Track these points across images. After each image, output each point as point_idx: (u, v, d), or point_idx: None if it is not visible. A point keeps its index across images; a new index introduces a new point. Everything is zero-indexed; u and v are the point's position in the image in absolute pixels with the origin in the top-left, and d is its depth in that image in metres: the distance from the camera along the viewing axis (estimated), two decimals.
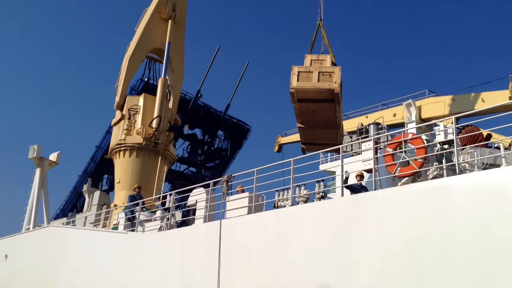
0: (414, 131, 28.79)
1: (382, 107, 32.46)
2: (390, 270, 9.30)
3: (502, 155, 9.72)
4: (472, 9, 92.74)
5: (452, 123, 9.51)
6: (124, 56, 29.03)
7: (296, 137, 36.98)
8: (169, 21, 27.72)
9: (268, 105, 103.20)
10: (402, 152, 10.52)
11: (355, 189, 11.58)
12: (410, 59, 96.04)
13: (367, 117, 32.32)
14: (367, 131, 26.07)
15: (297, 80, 13.70)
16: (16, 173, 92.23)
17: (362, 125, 27.10)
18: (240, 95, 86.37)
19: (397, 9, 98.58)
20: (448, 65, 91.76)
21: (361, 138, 26.62)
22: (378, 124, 26.39)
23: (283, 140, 38.73)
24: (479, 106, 27.14)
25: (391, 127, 30.24)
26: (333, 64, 14.84)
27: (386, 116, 31.00)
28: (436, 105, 29.28)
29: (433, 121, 20.51)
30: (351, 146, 27.54)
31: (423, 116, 29.56)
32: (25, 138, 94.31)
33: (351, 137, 27.40)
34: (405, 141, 10.72)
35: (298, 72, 13.83)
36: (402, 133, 11.52)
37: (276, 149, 38.78)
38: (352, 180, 12.17)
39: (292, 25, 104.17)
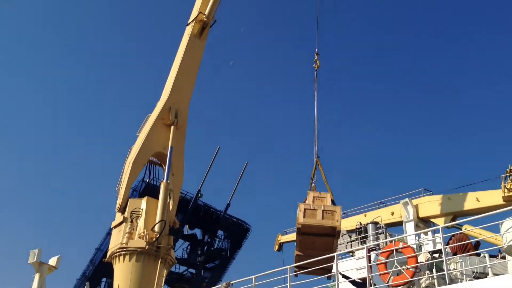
0: (412, 229, 29.13)
1: (380, 206, 32.97)
2: None
3: (488, 266, 10.12)
4: (468, 105, 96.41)
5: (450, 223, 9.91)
6: (125, 159, 30.10)
7: (286, 237, 37.14)
8: (172, 127, 29.01)
9: (267, 204, 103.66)
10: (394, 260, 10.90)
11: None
12: (407, 159, 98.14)
13: (365, 216, 32.70)
14: (365, 230, 26.33)
15: (304, 217, 15.52)
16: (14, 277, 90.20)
17: (360, 224, 27.41)
18: (240, 194, 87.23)
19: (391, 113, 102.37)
20: (442, 163, 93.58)
21: (360, 238, 26.80)
22: (376, 223, 26.69)
23: (283, 238, 38.72)
24: (474, 206, 27.72)
25: (389, 225, 30.53)
26: (332, 201, 16.96)
27: (384, 214, 31.38)
28: (432, 204, 29.83)
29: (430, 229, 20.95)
30: (351, 245, 27.68)
31: (421, 215, 30.00)
32: (22, 241, 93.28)
33: (350, 236, 27.58)
34: (396, 250, 11.13)
35: (304, 209, 15.69)
36: (394, 241, 11.95)
37: (276, 248, 38.66)
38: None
39: (289, 127, 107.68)
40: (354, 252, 23.69)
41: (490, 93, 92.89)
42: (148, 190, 35.86)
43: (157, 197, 28.20)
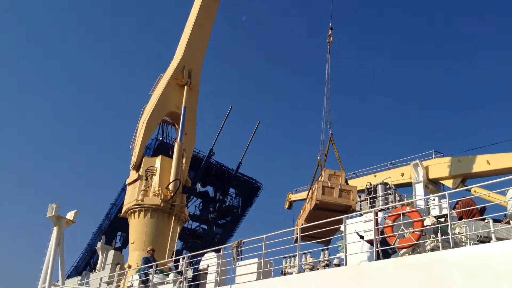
0: (422, 191, 29.43)
1: (390, 167, 33.19)
2: None
3: (492, 231, 10.46)
4: (479, 66, 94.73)
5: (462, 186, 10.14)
6: (139, 119, 30.57)
7: (306, 194, 37.69)
8: (185, 87, 29.30)
9: (278, 162, 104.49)
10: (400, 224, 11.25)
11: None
12: (418, 119, 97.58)
13: (375, 176, 32.97)
14: (375, 191, 26.71)
15: (322, 194, 16.63)
16: (32, 231, 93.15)
17: (370, 184, 27.73)
18: (252, 152, 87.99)
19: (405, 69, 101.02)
20: (455, 125, 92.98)
21: (370, 198, 27.25)
22: (386, 184, 26.97)
23: (294, 197, 39.30)
24: (484, 168, 27.84)
25: (399, 186, 30.76)
26: (346, 181, 18.09)
27: (394, 175, 31.60)
28: (442, 166, 29.99)
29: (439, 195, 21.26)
30: (360, 206, 28.13)
31: (430, 176, 30.20)
32: (39, 195, 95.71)
33: (359, 196, 28.00)
34: (403, 213, 11.47)
35: (323, 186, 16.77)
36: (401, 206, 12.29)
37: (287, 206, 39.29)
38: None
39: (300, 83, 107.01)
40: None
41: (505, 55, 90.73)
42: (161, 148, 36.50)
43: (169, 155, 28.83)
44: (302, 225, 16.43)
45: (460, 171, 29.01)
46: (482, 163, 28.05)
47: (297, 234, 14.19)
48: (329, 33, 22.67)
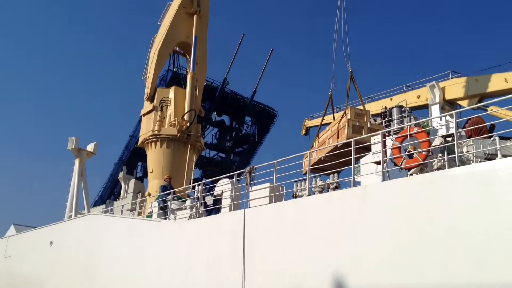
0: (438, 112, 29.22)
1: (406, 89, 32.77)
2: (397, 255, 10.29)
3: (498, 148, 10.49)
4: None
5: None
6: (149, 49, 30.42)
7: (316, 122, 37.77)
8: (195, 16, 28.80)
9: (294, 89, 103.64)
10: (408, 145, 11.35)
11: None
12: (433, 38, 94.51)
13: (391, 99, 32.67)
14: (390, 114, 26.62)
15: (352, 132, 16.72)
16: (55, 164, 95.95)
17: (386, 108, 27.59)
18: (266, 80, 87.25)
19: None
20: (472, 43, 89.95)
21: (385, 122, 27.25)
22: (401, 107, 26.80)
23: (310, 123, 39.40)
24: (502, 87, 27.31)
25: (415, 109, 30.50)
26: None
27: (410, 98, 31.29)
28: (459, 86, 29.50)
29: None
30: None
31: (447, 97, 29.76)
32: (59, 129, 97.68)
33: (375, 120, 27.95)
34: (410, 134, 11.54)
35: (353, 125, 16.97)
36: (408, 127, 12.31)
37: (303, 132, 39.51)
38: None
39: (315, 9, 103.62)
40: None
41: None
42: (174, 79, 36.48)
43: (182, 86, 28.92)
44: (320, 158, 16.52)
45: (477, 90, 28.47)
46: (500, 81, 27.45)
47: (306, 165, 14.42)
48: None
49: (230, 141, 46.91)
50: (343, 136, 16.93)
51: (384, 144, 11.97)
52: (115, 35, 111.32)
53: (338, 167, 14.07)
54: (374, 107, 32.86)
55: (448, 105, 30.05)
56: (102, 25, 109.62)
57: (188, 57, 29.67)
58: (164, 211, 18.30)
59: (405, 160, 11.47)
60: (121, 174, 36.90)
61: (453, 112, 10.77)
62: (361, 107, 20.18)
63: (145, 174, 44.97)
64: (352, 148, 12.41)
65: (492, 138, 11.06)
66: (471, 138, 11.76)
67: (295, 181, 14.51)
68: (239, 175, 15.71)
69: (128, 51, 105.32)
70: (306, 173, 13.61)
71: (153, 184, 25.98)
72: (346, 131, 16.65)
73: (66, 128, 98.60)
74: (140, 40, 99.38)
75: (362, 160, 12.91)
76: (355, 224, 11.25)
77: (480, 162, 10.59)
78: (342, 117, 18.51)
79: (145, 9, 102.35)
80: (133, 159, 44.74)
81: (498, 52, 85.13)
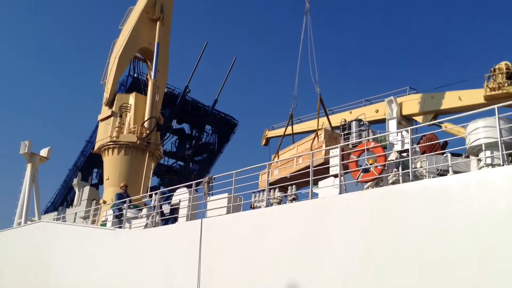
0: (395, 127, 29.98)
1: (365, 103, 33.54)
2: (352, 266, 10.45)
3: (450, 164, 10.85)
4: (449, 11, 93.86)
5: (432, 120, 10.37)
6: (109, 53, 29.91)
7: (282, 131, 38.07)
8: (158, 22, 28.58)
9: (255, 99, 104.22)
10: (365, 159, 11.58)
11: None
12: (395, 58, 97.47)
13: (351, 113, 33.34)
14: (349, 127, 27.12)
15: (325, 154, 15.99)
16: (7, 168, 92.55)
17: (345, 121, 28.12)
18: (228, 90, 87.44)
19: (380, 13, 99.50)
20: (429, 63, 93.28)
21: (344, 135, 27.70)
22: (360, 121, 27.39)
23: (270, 133, 39.61)
24: (456, 104, 28.36)
25: (373, 123, 31.24)
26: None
27: (369, 112, 32.03)
28: (415, 102, 30.44)
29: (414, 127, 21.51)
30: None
31: (404, 112, 30.65)
32: (15, 133, 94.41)
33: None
34: (367, 149, 11.77)
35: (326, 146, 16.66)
36: (366, 141, 12.57)
37: (264, 143, 39.64)
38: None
39: (278, 22, 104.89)
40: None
41: None
42: (134, 85, 35.97)
43: (142, 92, 28.58)
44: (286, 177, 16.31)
45: (432, 107, 29.45)
46: (454, 99, 28.46)
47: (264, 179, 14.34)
48: None
49: (189, 149, 46.54)
50: (319, 157, 16.66)
51: (342, 158, 12.16)
52: (72, 34, 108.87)
53: (301, 184, 14.22)
54: (334, 119, 33.30)
55: (405, 120, 30.93)
56: (57, 23, 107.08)
57: (149, 63, 29.39)
58: (119, 219, 17.91)
59: (361, 174, 11.68)
60: (75, 181, 35.96)
61: (409, 128, 11.07)
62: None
63: (100, 181, 43.94)
64: (310, 160, 12.56)
65: (444, 155, 11.43)
66: (425, 154, 12.11)
67: (254, 192, 14.52)
68: (197, 184, 15.59)
69: (88, 53, 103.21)
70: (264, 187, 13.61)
71: (109, 191, 25.42)
72: (324, 153, 16.31)
73: (18, 130, 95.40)
74: (98, 41, 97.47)
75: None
76: (312, 236, 11.37)
77: (432, 177, 10.89)
78: (314, 138, 18.53)
79: (104, 12, 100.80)
80: (89, 165, 43.63)
81: (454, 69, 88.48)
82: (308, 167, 14.35)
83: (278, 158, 19.67)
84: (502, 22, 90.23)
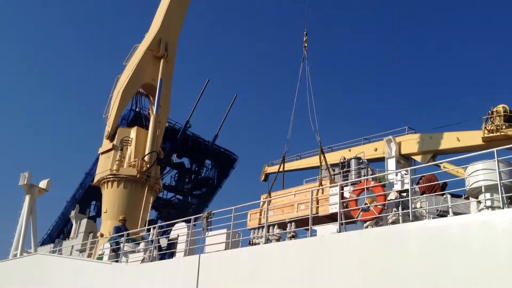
0: (394, 165, 30.10)
1: (364, 142, 33.79)
2: None
3: (449, 206, 10.89)
4: (449, 52, 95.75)
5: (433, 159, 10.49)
6: (112, 87, 30.37)
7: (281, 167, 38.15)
8: (162, 59, 29.18)
9: (255, 134, 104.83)
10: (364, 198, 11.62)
11: None
12: (394, 97, 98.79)
13: (350, 150, 33.56)
14: (348, 165, 27.22)
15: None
16: (5, 196, 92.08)
17: (344, 158, 28.24)
18: (229, 125, 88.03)
19: (382, 47, 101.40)
20: (428, 104, 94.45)
21: (343, 172, 27.75)
22: (359, 159, 27.51)
23: (269, 169, 39.70)
24: (454, 145, 28.60)
25: (372, 161, 31.41)
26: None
27: (368, 150, 32.23)
28: (414, 142, 30.70)
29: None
30: (334, 179, 28.61)
31: (403, 152, 30.90)
32: (16, 164, 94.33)
33: (333, 170, 28.50)
34: (367, 188, 11.83)
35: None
36: (365, 180, 12.64)
37: (263, 178, 39.69)
38: None
39: (279, 58, 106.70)
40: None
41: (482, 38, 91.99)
42: (136, 119, 36.30)
43: (143, 126, 28.83)
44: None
45: (431, 147, 29.73)
46: (452, 140, 28.75)
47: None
48: (304, 39, 20.44)
49: (189, 183, 46.55)
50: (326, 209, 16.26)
51: (342, 196, 12.21)
52: (75, 71, 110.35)
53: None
54: (333, 157, 33.51)
55: (404, 159, 31.12)
56: (61, 58, 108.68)
57: (151, 98, 29.79)
58: (116, 253, 17.75)
59: (361, 213, 11.70)
60: (73, 213, 35.70)
61: (409, 168, 11.15)
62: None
63: (98, 214, 43.73)
64: (310, 200, 12.61)
65: (444, 196, 11.49)
66: (425, 195, 12.17)
67: (252, 229, 14.48)
68: (196, 219, 15.55)
69: (89, 86, 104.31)
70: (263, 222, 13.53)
71: (107, 224, 25.28)
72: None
73: (18, 161, 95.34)
74: (100, 77, 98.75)
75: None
76: (311, 274, 11.27)
77: (433, 218, 10.92)
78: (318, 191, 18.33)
79: (109, 49, 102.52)
80: (87, 197, 43.54)
81: (450, 110, 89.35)
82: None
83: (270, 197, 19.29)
84: (499, 65, 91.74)
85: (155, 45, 29.39)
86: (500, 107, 24.36)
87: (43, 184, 29.83)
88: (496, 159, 9.72)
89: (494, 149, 9.94)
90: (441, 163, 25.69)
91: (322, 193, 15.10)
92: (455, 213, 10.94)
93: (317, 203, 13.86)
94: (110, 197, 26.19)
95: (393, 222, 11.52)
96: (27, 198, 28.64)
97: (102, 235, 24.08)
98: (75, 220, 33.45)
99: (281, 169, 18.99)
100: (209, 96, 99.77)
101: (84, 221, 28.81)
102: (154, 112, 28.16)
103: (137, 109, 37.80)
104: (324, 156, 18.51)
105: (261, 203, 14.93)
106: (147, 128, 28.35)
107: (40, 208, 28.98)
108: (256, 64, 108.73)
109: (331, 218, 13.42)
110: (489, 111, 25.36)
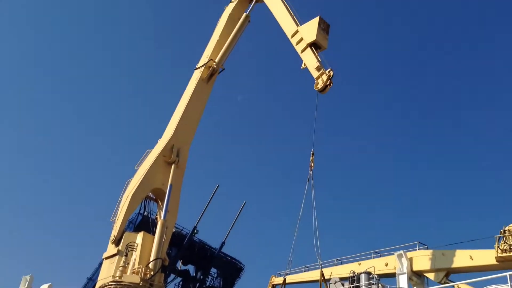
0: (405, 282, 29.04)
1: (374, 255, 33.03)
2: None
3: None
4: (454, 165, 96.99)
5: None
6: (122, 191, 30.53)
7: (290, 278, 37.06)
8: (173, 165, 29.65)
9: (263, 243, 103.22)
10: None
11: None
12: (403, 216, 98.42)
13: (360, 264, 32.74)
14: (358, 279, 26.34)
15: None
16: None
17: (354, 272, 27.41)
18: (236, 231, 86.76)
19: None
20: (439, 221, 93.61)
21: (353, 287, 26.77)
22: (369, 273, 26.70)
23: (277, 280, 38.58)
24: (467, 263, 27.79)
25: (383, 276, 30.44)
26: None
27: (378, 265, 31.40)
28: (426, 258, 29.89)
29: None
30: None
31: (414, 268, 30.02)
32: (17, 265, 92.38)
33: (343, 284, 27.51)
34: None
35: None
36: None
37: None
38: None
39: (287, 166, 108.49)
40: None
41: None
42: (143, 222, 36.11)
43: (150, 230, 28.51)
44: None
45: (443, 265, 28.98)
46: (465, 258, 28.10)
47: None
48: (311, 158, 21.02)
49: None
50: None
51: None
52: (84, 175, 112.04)
53: None
54: (342, 270, 32.63)
55: (416, 276, 30.14)
56: (70, 161, 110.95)
57: (160, 203, 29.82)
58: None
59: None
60: None
61: None
62: None
63: None
64: None
65: None
66: None
67: None
68: None
69: (97, 188, 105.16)
70: None
71: None
72: None
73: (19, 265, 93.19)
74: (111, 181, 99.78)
75: None
76: None
77: None
78: None
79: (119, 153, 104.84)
80: None
81: (462, 227, 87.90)
82: None
83: None
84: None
85: (168, 151, 30.03)
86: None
87: None
88: (509, 284, 9.47)
89: (507, 274, 9.72)
90: (456, 284, 24.88)
91: None
92: None
93: None
94: None
95: None
96: None
97: None
98: None
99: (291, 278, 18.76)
100: (218, 200, 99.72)
101: None
102: (162, 218, 28.01)
103: (145, 213, 37.75)
104: (325, 281, 18.29)
105: None
106: (153, 233, 28.05)
107: None
108: (267, 170, 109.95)
109: None
110: (501, 230, 25.02)
